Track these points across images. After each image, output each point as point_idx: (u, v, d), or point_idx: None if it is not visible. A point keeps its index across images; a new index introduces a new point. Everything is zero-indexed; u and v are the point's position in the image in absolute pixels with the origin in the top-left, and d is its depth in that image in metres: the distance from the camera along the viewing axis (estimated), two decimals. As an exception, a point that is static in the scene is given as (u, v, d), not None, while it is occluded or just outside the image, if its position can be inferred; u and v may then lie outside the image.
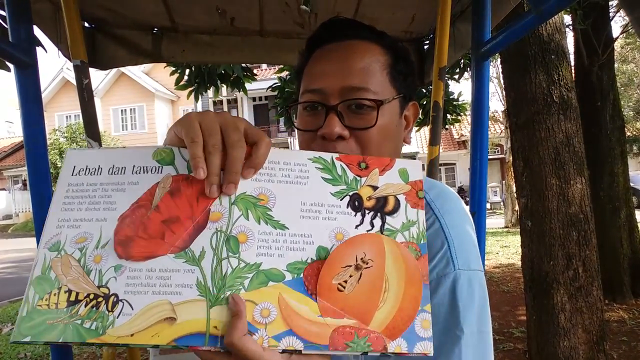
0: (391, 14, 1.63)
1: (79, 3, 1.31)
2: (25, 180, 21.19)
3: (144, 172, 0.55)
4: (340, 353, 0.49)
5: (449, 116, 5.92)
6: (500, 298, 5.26)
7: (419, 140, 21.14)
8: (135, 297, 0.48)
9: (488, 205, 17.27)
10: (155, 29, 1.69)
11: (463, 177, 21.54)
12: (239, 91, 4.44)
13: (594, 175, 4.51)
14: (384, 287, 0.51)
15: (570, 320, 2.92)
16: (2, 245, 14.22)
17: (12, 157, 23.54)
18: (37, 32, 1.28)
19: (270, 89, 5.25)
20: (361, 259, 0.52)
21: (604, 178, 4.83)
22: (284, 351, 0.48)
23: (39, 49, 1.21)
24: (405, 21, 1.70)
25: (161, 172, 0.55)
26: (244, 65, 4.18)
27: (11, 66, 1.13)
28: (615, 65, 5.95)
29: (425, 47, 1.90)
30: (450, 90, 6.19)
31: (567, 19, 5.21)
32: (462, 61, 4.59)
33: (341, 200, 0.55)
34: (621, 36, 7.42)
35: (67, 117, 22.31)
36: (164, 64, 3.41)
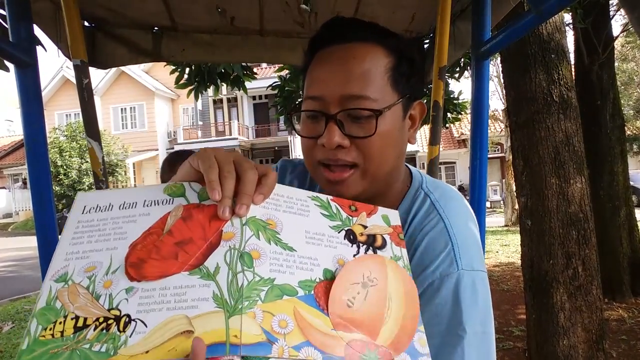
0: (391, 13, 1.63)
1: (79, 2, 1.31)
2: (25, 178, 21.19)
3: (155, 205, 0.58)
4: None
5: (449, 115, 5.93)
6: (500, 297, 5.27)
7: (419, 139, 21.13)
8: (149, 315, 0.48)
9: (488, 204, 17.29)
10: (155, 28, 1.69)
11: (463, 175, 21.54)
12: (239, 90, 4.44)
13: (593, 174, 4.51)
14: (387, 305, 0.55)
15: (569, 319, 2.92)
16: (2, 244, 14.23)
17: (12, 156, 23.55)
18: (37, 31, 1.28)
19: (270, 87, 5.25)
20: (367, 277, 0.56)
21: (604, 177, 4.83)
22: None
23: (38, 48, 1.21)
24: (405, 20, 1.70)
25: (172, 203, 0.58)
26: (243, 63, 4.18)
27: (11, 66, 1.13)
28: (616, 64, 5.95)
29: (425, 46, 1.90)
30: (450, 89, 6.19)
31: (567, 17, 5.22)
32: (462, 60, 4.59)
33: (338, 233, 0.60)
34: (621, 35, 7.42)
35: (67, 115, 22.31)
36: (164, 63, 3.41)
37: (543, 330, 3.01)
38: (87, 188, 18.19)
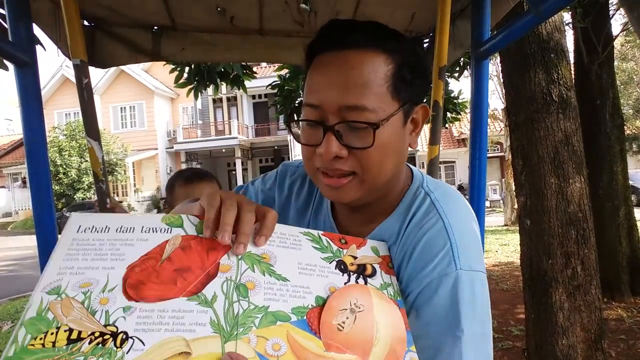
0: (391, 12, 1.63)
1: (78, 2, 1.31)
2: (24, 177, 21.19)
3: (153, 232, 0.60)
4: None
5: (449, 115, 5.92)
6: (499, 296, 5.27)
7: (419, 139, 21.06)
8: (147, 334, 0.49)
9: (487, 203, 17.29)
10: (155, 28, 1.69)
11: (463, 175, 21.54)
12: (239, 89, 4.44)
13: (593, 173, 4.51)
14: (375, 328, 0.58)
15: (568, 319, 2.92)
16: (2, 243, 14.22)
17: (11, 155, 23.53)
18: (37, 31, 1.28)
19: (270, 86, 5.25)
20: (354, 303, 0.59)
21: (603, 176, 4.83)
22: None
23: (38, 48, 1.21)
24: (405, 20, 1.70)
25: (170, 232, 0.60)
26: (243, 63, 4.17)
27: (10, 65, 1.13)
28: (615, 64, 5.95)
29: (425, 46, 1.90)
30: (450, 88, 6.18)
31: (567, 17, 5.22)
32: (462, 60, 4.59)
33: (330, 263, 0.65)
34: (621, 34, 7.41)
35: (66, 114, 22.29)
36: (164, 62, 3.40)
37: (542, 329, 3.02)
38: (86, 187, 18.19)
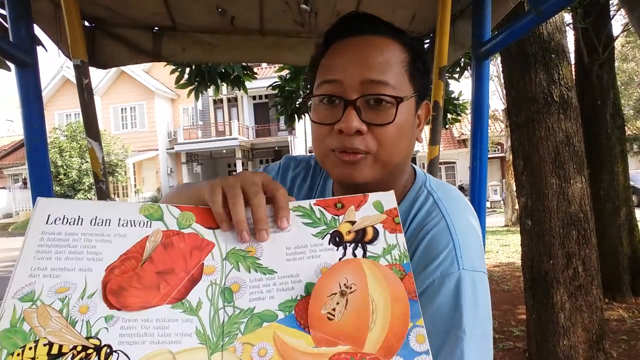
0: (391, 13, 1.63)
1: (79, 2, 1.31)
2: (25, 178, 21.20)
3: (131, 226, 0.55)
4: None
5: (449, 116, 5.92)
6: (500, 297, 5.26)
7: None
8: (132, 347, 0.47)
9: (488, 204, 17.29)
10: (156, 28, 1.69)
11: (463, 175, 21.53)
12: (239, 90, 4.43)
13: (594, 174, 4.51)
14: (371, 308, 0.52)
15: (570, 319, 2.92)
16: (2, 244, 14.23)
17: (12, 156, 23.55)
18: (38, 31, 1.28)
19: (271, 87, 5.25)
20: (344, 284, 0.53)
21: (604, 177, 4.83)
22: None
23: (39, 48, 1.21)
24: (405, 20, 1.70)
25: (150, 227, 0.56)
26: (244, 63, 4.17)
27: (11, 65, 1.13)
28: (616, 64, 5.95)
29: (426, 46, 1.90)
30: (450, 89, 6.18)
31: (568, 17, 5.21)
32: (462, 60, 4.59)
33: (322, 239, 0.58)
34: (621, 35, 7.41)
35: (67, 115, 22.31)
36: (164, 63, 3.41)
37: (543, 330, 3.01)
38: (87, 188, 18.20)
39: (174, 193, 0.77)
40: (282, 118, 5.39)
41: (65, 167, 18.02)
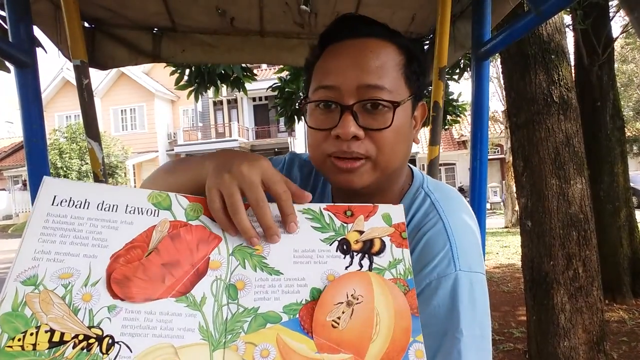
0: (391, 14, 1.63)
1: (79, 3, 1.31)
2: (25, 180, 21.19)
3: (139, 213, 0.55)
4: None
5: (448, 117, 5.93)
6: (500, 298, 5.26)
7: (419, 141, 21.10)
8: (134, 339, 0.46)
9: (488, 206, 17.27)
10: (155, 29, 1.69)
11: (463, 177, 21.53)
12: (239, 91, 4.44)
13: (593, 175, 4.51)
14: (375, 321, 0.53)
15: (570, 321, 2.91)
16: (2, 245, 14.22)
17: (12, 157, 23.54)
18: (37, 32, 1.28)
19: (270, 89, 5.25)
20: (351, 295, 0.54)
21: (604, 178, 4.83)
22: None
23: (38, 49, 1.21)
24: (405, 21, 1.70)
25: (157, 216, 0.55)
26: (243, 65, 4.17)
27: (11, 66, 1.13)
28: (615, 65, 5.95)
29: (425, 47, 1.89)
30: (450, 90, 6.19)
31: (567, 19, 5.22)
32: (462, 61, 4.59)
33: (330, 245, 0.58)
34: (621, 36, 7.42)
35: (67, 117, 22.30)
36: (164, 64, 3.41)
37: (543, 331, 3.01)
38: (87, 190, 18.16)
39: (170, 167, 0.75)
40: (282, 119, 5.39)
41: (65, 168, 18.01)
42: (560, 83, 3.03)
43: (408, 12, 1.65)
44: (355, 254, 0.57)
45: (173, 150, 22.57)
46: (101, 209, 0.53)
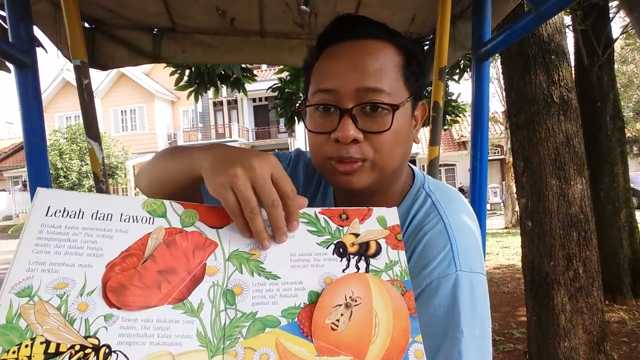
0: (391, 14, 1.63)
1: (79, 3, 1.31)
2: (25, 181, 21.19)
3: (133, 221, 0.54)
4: None
5: (447, 117, 5.92)
6: (500, 299, 5.26)
7: (419, 142, 21.10)
8: (132, 347, 0.46)
9: (488, 206, 17.28)
10: (156, 30, 1.69)
11: (463, 177, 21.53)
12: (239, 92, 4.44)
13: (594, 175, 4.51)
14: (374, 322, 0.53)
15: (570, 321, 2.91)
16: (2, 246, 14.21)
17: (12, 158, 23.55)
18: (37, 32, 1.28)
19: (271, 89, 5.25)
20: (350, 297, 0.54)
21: (604, 178, 4.83)
22: None
23: (39, 50, 1.21)
24: (405, 22, 1.70)
25: (152, 223, 0.55)
26: (243, 65, 4.17)
27: (11, 66, 1.13)
28: (615, 66, 5.95)
29: (425, 47, 1.89)
30: (450, 91, 6.19)
31: (567, 19, 5.22)
32: (462, 62, 4.59)
33: (327, 248, 0.58)
34: (621, 37, 7.41)
35: (67, 118, 22.31)
36: (164, 65, 3.41)
37: (544, 332, 3.00)
38: (87, 190, 18.18)
39: (166, 154, 0.75)
40: (282, 120, 5.39)
41: (65, 169, 18.01)
42: (561, 83, 3.03)
43: (408, 12, 1.65)
44: (351, 256, 0.58)
45: (173, 150, 22.54)
46: (96, 218, 0.53)
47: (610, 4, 5.07)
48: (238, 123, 22.66)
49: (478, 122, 1.46)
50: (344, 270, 0.56)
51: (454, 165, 22.06)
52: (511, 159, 8.11)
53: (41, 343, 0.44)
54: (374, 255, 0.58)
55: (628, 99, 17.40)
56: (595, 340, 2.93)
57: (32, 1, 1.18)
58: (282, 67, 4.59)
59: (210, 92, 4.43)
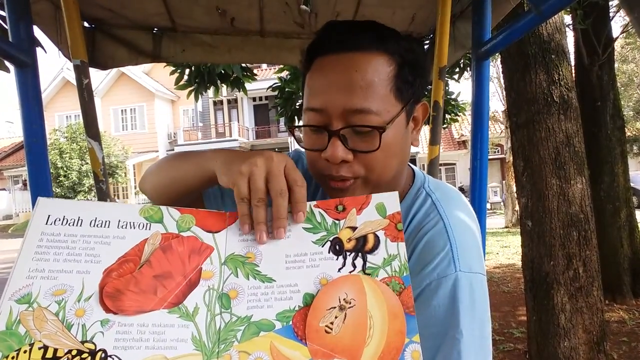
0: (391, 14, 1.63)
1: (79, 3, 1.31)
2: (25, 180, 21.20)
3: (130, 228, 0.56)
4: None
5: (447, 116, 5.93)
6: (500, 298, 5.26)
7: (420, 141, 21.10)
8: (127, 352, 0.46)
9: (488, 206, 17.27)
10: (156, 29, 1.69)
11: (463, 177, 21.53)
12: (239, 91, 4.44)
13: (594, 175, 4.51)
14: (368, 324, 0.52)
15: (570, 321, 2.91)
16: (2, 245, 14.22)
17: (12, 157, 23.56)
18: (37, 32, 1.28)
19: (271, 89, 5.25)
20: (344, 299, 0.53)
21: (604, 178, 4.83)
22: None
23: (38, 49, 1.21)
24: (405, 21, 1.70)
25: (149, 229, 0.56)
26: (243, 65, 4.17)
27: (11, 66, 1.13)
28: (616, 65, 5.95)
29: (425, 46, 1.89)
30: (450, 90, 6.19)
31: (567, 18, 5.22)
32: (462, 61, 4.59)
33: (322, 247, 0.57)
34: (621, 36, 7.42)
35: (67, 117, 22.32)
36: (164, 64, 3.41)
37: (544, 331, 3.01)
38: (87, 189, 18.19)
39: (172, 160, 0.75)
40: (282, 119, 5.39)
41: (65, 168, 18.02)
42: (561, 83, 3.03)
43: (408, 12, 1.64)
44: (348, 253, 0.57)
45: (173, 150, 22.56)
46: (94, 226, 0.54)
47: (610, 3, 5.07)
48: (238, 122, 22.66)
49: (478, 121, 1.46)
50: (339, 270, 0.56)
51: (454, 164, 22.05)
52: (511, 158, 8.11)
53: (39, 348, 0.45)
54: (372, 251, 0.57)
55: (628, 98, 17.40)
56: (595, 340, 2.93)
57: (32, 1, 1.18)
58: (282, 66, 4.59)
59: (210, 91, 4.43)
